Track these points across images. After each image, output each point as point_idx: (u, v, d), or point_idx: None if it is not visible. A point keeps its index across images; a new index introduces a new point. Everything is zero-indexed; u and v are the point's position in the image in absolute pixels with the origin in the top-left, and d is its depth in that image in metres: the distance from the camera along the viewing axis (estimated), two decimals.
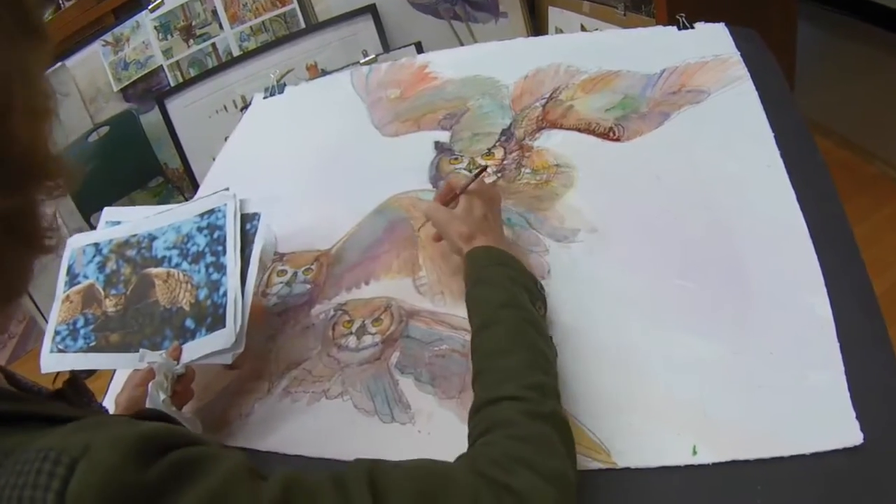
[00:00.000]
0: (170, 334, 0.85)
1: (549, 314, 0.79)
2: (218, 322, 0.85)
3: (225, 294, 0.86)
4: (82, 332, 0.88)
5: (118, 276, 0.92)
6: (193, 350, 0.84)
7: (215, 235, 0.91)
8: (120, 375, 0.93)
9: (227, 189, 0.95)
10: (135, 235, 0.94)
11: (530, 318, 0.71)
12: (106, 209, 1.00)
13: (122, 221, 0.98)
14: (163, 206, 0.97)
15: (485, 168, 0.92)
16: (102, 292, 0.91)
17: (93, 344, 0.87)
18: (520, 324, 0.70)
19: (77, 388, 0.61)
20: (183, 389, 0.83)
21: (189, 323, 0.86)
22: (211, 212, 0.94)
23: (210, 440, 0.51)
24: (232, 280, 0.87)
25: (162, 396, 0.77)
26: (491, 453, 0.57)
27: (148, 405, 0.76)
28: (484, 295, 0.74)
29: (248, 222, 0.93)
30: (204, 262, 0.90)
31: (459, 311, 0.86)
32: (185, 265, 0.90)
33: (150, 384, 0.77)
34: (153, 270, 0.91)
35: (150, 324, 0.87)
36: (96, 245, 0.95)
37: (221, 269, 0.88)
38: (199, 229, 0.93)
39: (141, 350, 0.83)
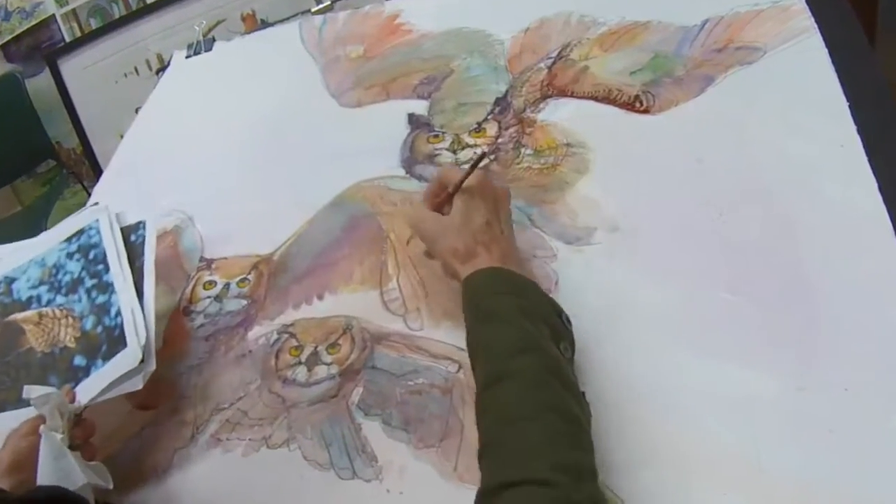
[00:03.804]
0: (55, 381, 0.86)
1: None
2: (116, 345, 0.86)
3: (119, 313, 0.88)
4: None
5: None
6: (92, 386, 0.84)
7: (91, 256, 0.95)
8: None
9: (97, 203, 0.99)
10: None
11: (554, 367, 0.68)
12: None
13: None
14: (16, 243, 1.01)
15: (485, 154, 0.88)
16: None
17: None
18: (541, 376, 0.67)
19: None
20: (82, 441, 0.82)
21: (79, 360, 0.87)
22: (80, 233, 0.97)
23: None
24: (124, 294, 0.89)
25: (59, 436, 0.77)
26: None
27: (42, 454, 0.75)
28: (491, 337, 0.71)
29: (131, 233, 0.96)
30: (83, 287, 0.93)
31: (441, 335, 0.86)
32: (59, 299, 0.93)
33: (41, 428, 0.77)
34: (18, 316, 0.94)
35: (28, 375, 0.89)
36: None
37: (107, 288, 0.91)
38: (69, 255, 0.96)
39: (25, 387, 0.83)
